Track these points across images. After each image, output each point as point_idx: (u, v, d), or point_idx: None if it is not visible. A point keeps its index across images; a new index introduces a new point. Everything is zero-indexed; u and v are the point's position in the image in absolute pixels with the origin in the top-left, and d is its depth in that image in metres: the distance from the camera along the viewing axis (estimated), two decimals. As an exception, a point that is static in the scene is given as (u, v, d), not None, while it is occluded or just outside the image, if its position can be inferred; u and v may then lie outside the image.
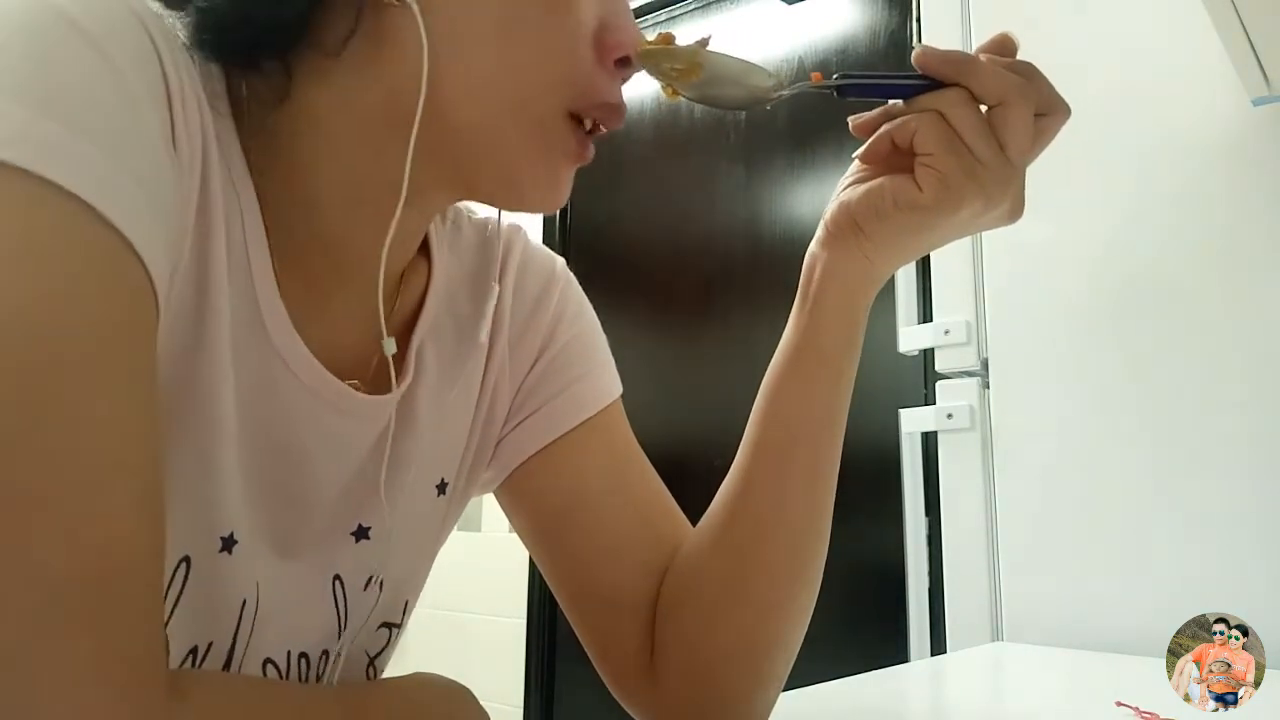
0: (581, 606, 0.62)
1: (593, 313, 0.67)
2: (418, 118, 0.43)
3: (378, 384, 0.52)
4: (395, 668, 0.56)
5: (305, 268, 0.47)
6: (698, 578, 0.59)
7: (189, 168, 0.40)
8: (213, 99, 0.43)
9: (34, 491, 0.30)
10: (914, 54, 0.50)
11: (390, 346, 0.49)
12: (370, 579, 0.53)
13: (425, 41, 0.43)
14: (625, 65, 0.49)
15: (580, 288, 0.67)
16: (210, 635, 0.45)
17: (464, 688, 0.51)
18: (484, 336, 0.57)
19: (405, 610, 0.58)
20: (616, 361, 0.66)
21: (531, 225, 2.46)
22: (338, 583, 0.52)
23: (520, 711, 2.16)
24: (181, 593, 0.43)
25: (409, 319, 0.55)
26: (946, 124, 0.49)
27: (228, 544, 0.45)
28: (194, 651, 0.45)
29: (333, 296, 0.49)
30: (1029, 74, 0.50)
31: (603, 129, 0.50)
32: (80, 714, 0.29)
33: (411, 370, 0.53)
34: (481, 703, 0.51)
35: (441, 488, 0.58)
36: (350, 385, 0.49)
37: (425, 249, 0.57)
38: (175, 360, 0.41)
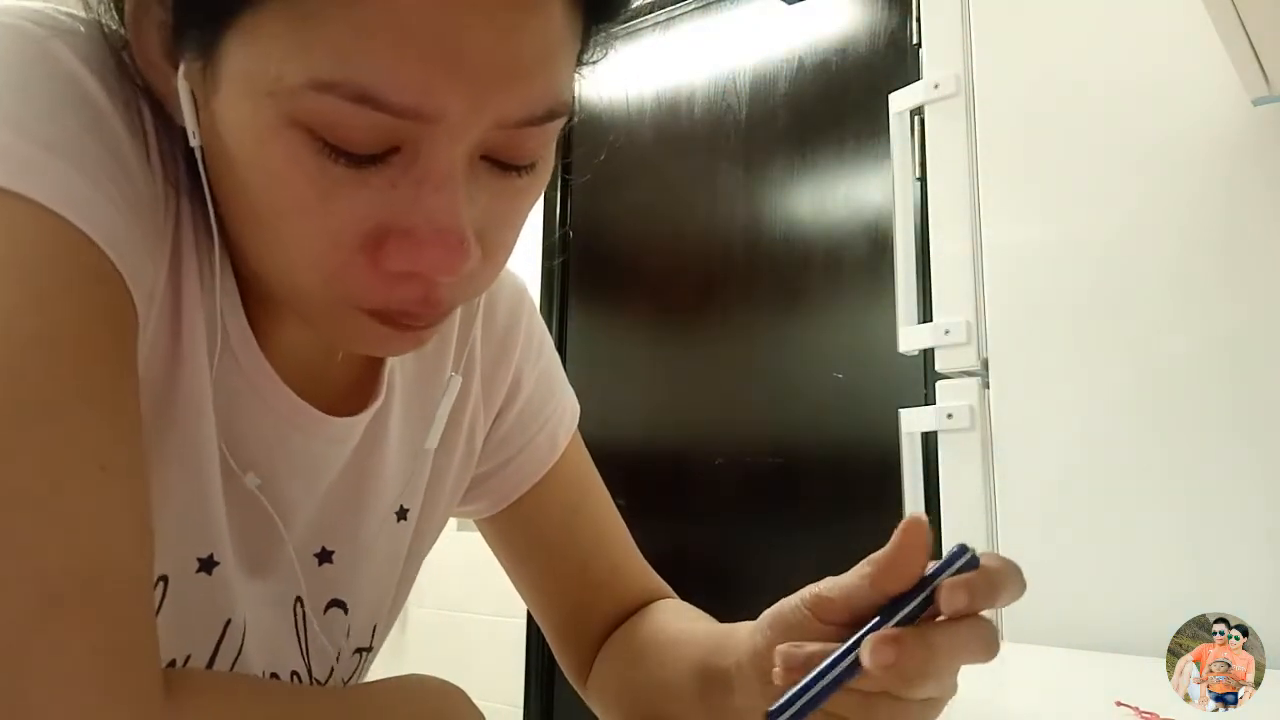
0: (543, 617, 0.69)
1: (549, 337, 0.68)
2: (217, 274, 0.43)
3: (351, 405, 0.52)
4: (395, 668, 0.56)
5: (266, 293, 0.47)
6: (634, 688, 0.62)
7: (165, 196, 0.41)
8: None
9: (24, 492, 0.30)
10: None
11: None
12: (330, 603, 0.54)
13: (212, 213, 0.41)
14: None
15: (537, 312, 0.67)
16: (188, 650, 0.46)
17: (458, 689, 0.51)
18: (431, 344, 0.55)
19: (374, 634, 0.58)
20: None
21: (530, 224, 2.46)
22: (299, 605, 0.52)
23: (520, 711, 2.15)
24: (159, 611, 0.44)
25: None
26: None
27: (206, 565, 0.46)
28: (172, 665, 0.45)
29: (292, 320, 0.48)
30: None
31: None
32: (78, 714, 0.29)
33: (383, 392, 0.53)
34: (481, 703, 0.50)
35: (402, 514, 0.57)
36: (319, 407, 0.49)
37: None
38: (158, 382, 0.42)
